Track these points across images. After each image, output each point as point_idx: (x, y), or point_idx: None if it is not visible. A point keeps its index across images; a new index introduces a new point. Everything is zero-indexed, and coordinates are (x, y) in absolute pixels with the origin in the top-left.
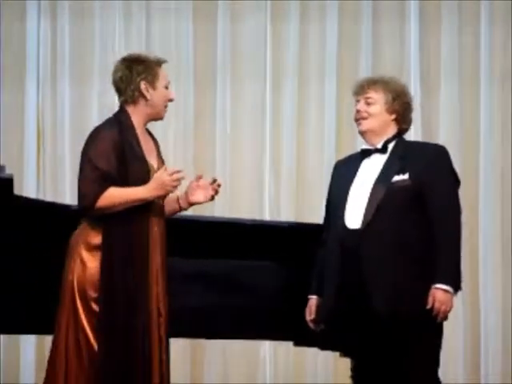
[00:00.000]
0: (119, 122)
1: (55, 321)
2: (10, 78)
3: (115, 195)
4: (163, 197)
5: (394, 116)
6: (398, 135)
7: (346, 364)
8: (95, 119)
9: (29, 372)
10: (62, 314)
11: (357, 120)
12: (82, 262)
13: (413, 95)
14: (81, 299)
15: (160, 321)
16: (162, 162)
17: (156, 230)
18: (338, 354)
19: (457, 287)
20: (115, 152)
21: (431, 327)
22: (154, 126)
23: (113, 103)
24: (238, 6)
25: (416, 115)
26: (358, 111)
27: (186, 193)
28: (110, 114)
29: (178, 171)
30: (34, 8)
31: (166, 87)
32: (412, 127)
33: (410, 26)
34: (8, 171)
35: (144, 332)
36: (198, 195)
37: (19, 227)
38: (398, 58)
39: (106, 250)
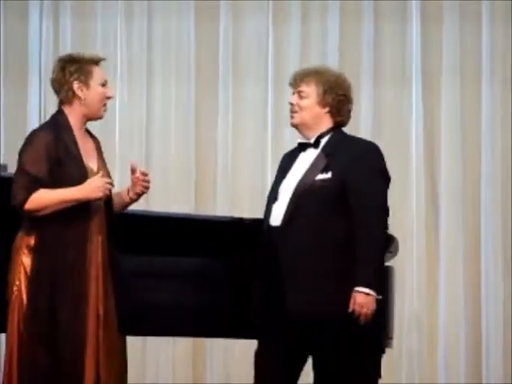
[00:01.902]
0: (56, 123)
1: (7, 324)
2: (12, 78)
3: (44, 196)
4: (95, 200)
5: (327, 109)
6: (336, 128)
7: None
8: None
9: None
10: (12, 316)
11: (290, 113)
12: (25, 269)
13: (413, 94)
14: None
15: (99, 322)
16: (103, 162)
17: (95, 229)
18: None
19: (378, 289)
20: (48, 155)
21: (354, 330)
22: (154, 127)
23: (114, 102)
24: (240, 5)
25: (418, 114)
26: (290, 104)
27: (131, 186)
28: (109, 114)
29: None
30: (36, 8)
31: (103, 85)
32: (413, 126)
33: (411, 25)
34: (10, 170)
35: (73, 334)
36: (139, 187)
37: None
38: (400, 57)
39: (38, 251)
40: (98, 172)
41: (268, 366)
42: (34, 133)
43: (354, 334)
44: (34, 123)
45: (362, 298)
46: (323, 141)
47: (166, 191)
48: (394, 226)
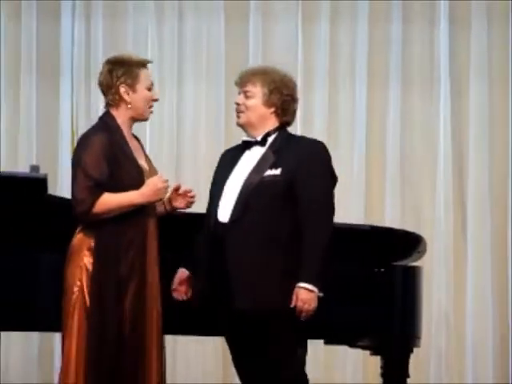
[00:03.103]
0: (106, 125)
1: (64, 324)
2: (44, 79)
3: (109, 201)
4: (156, 201)
5: (272, 109)
6: (281, 128)
7: (375, 363)
8: None
9: None
10: (72, 316)
11: (236, 113)
12: (87, 269)
13: (441, 96)
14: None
15: (158, 319)
16: (149, 161)
17: (152, 229)
18: (367, 352)
19: (320, 286)
20: (106, 156)
21: (294, 326)
22: (184, 127)
23: None
24: (269, 6)
25: (445, 115)
26: (236, 104)
27: (169, 199)
28: None
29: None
30: (68, 9)
31: (149, 88)
32: (441, 128)
33: (439, 27)
34: (42, 171)
35: (139, 333)
36: (180, 202)
37: (53, 226)
38: (428, 59)
39: (99, 252)
40: (150, 171)
41: (234, 361)
42: (87, 136)
43: (290, 327)
44: (65, 124)
45: (305, 294)
46: (270, 139)
47: (196, 191)
48: (422, 226)
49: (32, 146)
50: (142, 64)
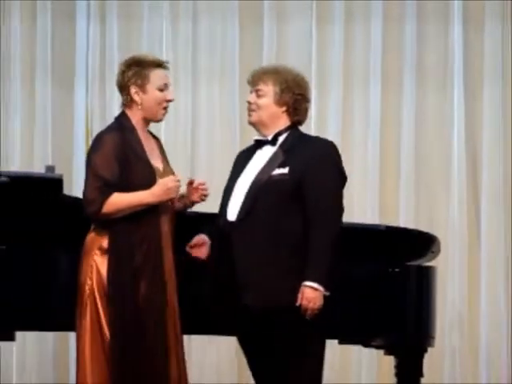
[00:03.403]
0: (121, 126)
1: (77, 323)
2: (59, 80)
3: (119, 201)
4: (168, 201)
5: (284, 108)
6: (293, 127)
7: (390, 362)
8: None
9: None
10: (84, 316)
11: (248, 111)
12: (97, 268)
13: (455, 96)
14: (101, 302)
15: (175, 318)
16: (166, 161)
17: (166, 228)
18: (381, 352)
19: (327, 285)
20: (118, 156)
21: (302, 324)
22: (199, 128)
23: None
24: (284, 6)
25: (459, 115)
26: (248, 103)
27: (187, 195)
28: None
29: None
30: (83, 10)
31: (161, 89)
32: (455, 127)
33: (453, 27)
34: (57, 171)
35: (158, 332)
36: (195, 196)
37: (68, 226)
38: (442, 59)
39: (112, 251)
40: (164, 171)
41: (247, 361)
42: (100, 136)
43: (299, 327)
44: (80, 125)
45: (310, 293)
46: (281, 138)
47: (210, 191)
48: (436, 227)
49: (47, 146)
50: (156, 64)
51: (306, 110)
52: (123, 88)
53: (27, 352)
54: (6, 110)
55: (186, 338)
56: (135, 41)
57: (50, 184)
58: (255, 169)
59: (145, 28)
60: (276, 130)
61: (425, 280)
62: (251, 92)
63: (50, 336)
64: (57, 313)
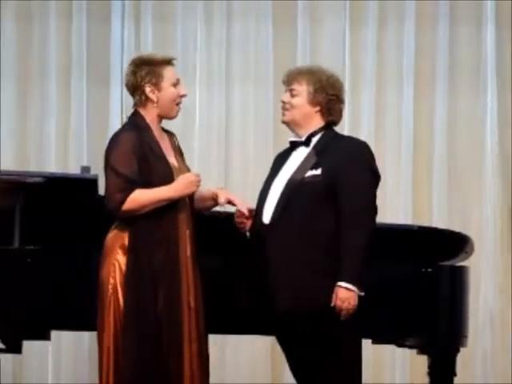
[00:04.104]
0: (135, 125)
1: (99, 322)
2: (94, 80)
3: (141, 197)
4: (188, 195)
5: (317, 108)
6: (327, 127)
7: (423, 362)
8: (178, 121)
9: None
10: (108, 315)
11: (282, 110)
12: (120, 267)
13: (488, 98)
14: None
15: (190, 314)
16: (181, 157)
17: (184, 226)
18: (414, 352)
19: (360, 286)
20: (136, 154)
21: (337, 325)
22: (233, 130)
23: (193, 105)
24: (317, 7)
25: (492, 116)
26: (282, 102)
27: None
28: (189, 116)
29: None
30: (117, 11)
31: (174, 85)
32: (488, 129)
33: (486, 28)
34: (93, 172)
35: (172, 326)
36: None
37: (104, 227)
38: (475, 61)
39: (133, 249)
40: (180, 168)
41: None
42: (117, 134)
43: (332, 326)
44: (115, 126)
45: (344, 293)
46: (314, 139)
47: (244, 193)
48: (470, 227)
49: (83, 147)
50: (166, 62)
51: (340, 111)
52: (137, 88)
53: (62, 352)
54: (41, 110)
55: (220, 337)
56: (169, 41)
57: (86, 184)
58: (289, 171)
59: (179, 29)
60: (310, 131)
61: (458, 280)
62: (286, 91)
63: (85, 336)
64: (92, 313)
